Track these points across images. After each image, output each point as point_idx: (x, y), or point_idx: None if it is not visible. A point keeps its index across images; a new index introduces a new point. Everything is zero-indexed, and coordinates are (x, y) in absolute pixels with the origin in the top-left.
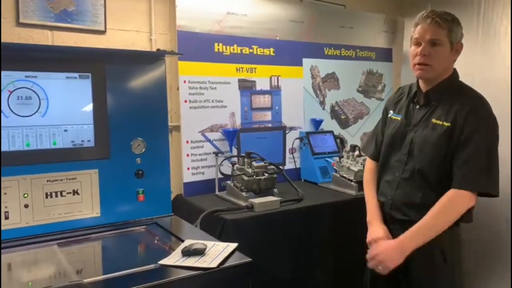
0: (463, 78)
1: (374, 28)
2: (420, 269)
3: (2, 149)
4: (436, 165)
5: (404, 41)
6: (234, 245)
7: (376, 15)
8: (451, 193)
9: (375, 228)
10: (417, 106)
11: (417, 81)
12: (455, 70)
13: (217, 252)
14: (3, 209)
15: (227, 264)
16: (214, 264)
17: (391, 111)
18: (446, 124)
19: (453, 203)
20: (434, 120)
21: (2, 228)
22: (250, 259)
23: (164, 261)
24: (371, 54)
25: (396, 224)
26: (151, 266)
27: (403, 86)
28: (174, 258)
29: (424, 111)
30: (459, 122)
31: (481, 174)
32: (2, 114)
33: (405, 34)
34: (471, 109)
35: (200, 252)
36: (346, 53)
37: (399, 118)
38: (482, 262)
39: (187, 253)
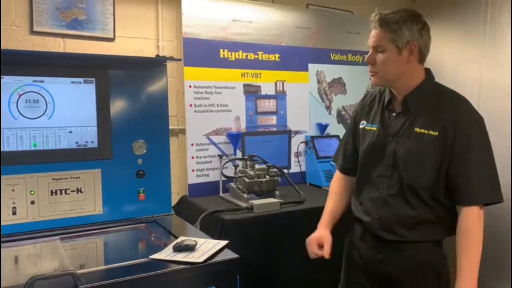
0: (471, 83)
1: None
2: None
3: (11, 149)
4: (428, 178)
5: None
6: (224, 242)
7: None
8: (467, 213)
9: (316, 231)
10: (393, 114)
11: (389, 89)
12: (428, 71)
13: (207, 249)
14: (11, 205)
15: (214, 260)
16: (201, 259)
17: (364, 122)
18: (433, 133)
19: (475, 223)
20: (417, 129)
21: (10, 222)
22: (238, 256)
23: (155, 256)
24: None
25: (385, 246)
26: (143, 260)
27: (369, 93)
28: (165, 253)
29: (403, 119)
30: (449, 130)
31: (487, 185)
32: (11, 116)
33: None
34: (461, 115)
35: (190, 248)
36: (353, 58)
37: (374, 128)
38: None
39: (178, 248)
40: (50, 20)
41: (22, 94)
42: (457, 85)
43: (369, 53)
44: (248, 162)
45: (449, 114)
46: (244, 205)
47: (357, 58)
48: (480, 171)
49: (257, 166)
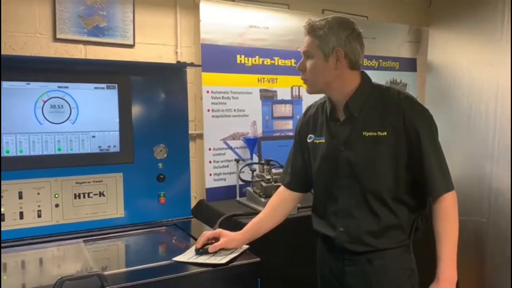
0: (488, 87)
1: (398, 38)
2: None
3: (36, 153)
4: (388, 179)
5: (429, 50)
6: (245, 246)
7: (400, 25)
8: (443, 200)
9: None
10: (338, 123)
11: (328, 98)
12: (363, 74)
13: (228, 252)
14: (36, 208)
15: (235, 262)
16: (223, 261)
17: (311, 136)
18: (381, 133)
19: (451, 206)
20: (366, 133)
21: (36, 225)
22: (258, 259)
23: (178, 258)
24: (394, 64)
25: (355, 258)
26: (166, 262)
27: (310, 107)
28: (187, 256)
29: (349, 126)
30: (398, 127)
31: (447, 172)
32: (37, 121)
33: (429, 43)
34: (405, 110)
35: None
36: (369, 63)
37: (323, 141)
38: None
39: (200, 251)
40: (73, 27)
41: (47, 100)
42: (474, 89)
43: (301, 60)
44: (265, 167)
45: (394, 112)
46: (261, 209)
47: (372, 63)
48: (439, 161)
49: (274, 170)
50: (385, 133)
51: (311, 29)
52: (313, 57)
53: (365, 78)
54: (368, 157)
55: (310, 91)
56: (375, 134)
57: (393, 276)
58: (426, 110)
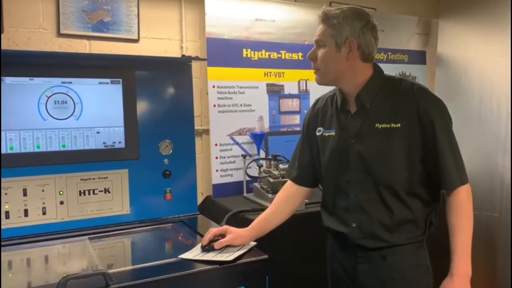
0: (500, 78)
1: (407, 30)
2: None
3: (41, 150)
4: (402, 172)
5: (439, 42)
6: (253, 243)
7: (409, 17)
8: (457, 193)
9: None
10: (349, 115)
11: (339, 90)
12: (376, 66)
13: (236, 249)
14: (41, 205)
15: (243, 260)
16: (230, 258)
17: (320, 129)
18: (395, 125)
19: (466, 200)
20: (378, 125)
21: (40, 222)
22: (266, 256)
23: (184, 255)
24: (403, 57)
25: (368, 255)
26: (172, 259)
27: (318, 99)
28: (193, 253)
29: (361, 118)
30: (412, 118)
31: (462, 164)
32: (41, 117)
33: (439, 35)
34: (419, 101)
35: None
36: (377, 56)
37: (333, 133)
38: None
39: (206, 248)
40: (76, 22)
41: (51, 96)
42: (486, 80)
43: (312, 48)
44: (272, 162)
45: (407, 103)
46: (268, 205)
47: (381, 56)
48: (454, 153)
49: (281, 166)
50: (398, 125)
51: (326, 18)
52: (325, 46)
53: (378, 70)
54: (380, 150)
55: (321, 82)
56: (388, 126)
57: (407, 273)
58: (441, 100)
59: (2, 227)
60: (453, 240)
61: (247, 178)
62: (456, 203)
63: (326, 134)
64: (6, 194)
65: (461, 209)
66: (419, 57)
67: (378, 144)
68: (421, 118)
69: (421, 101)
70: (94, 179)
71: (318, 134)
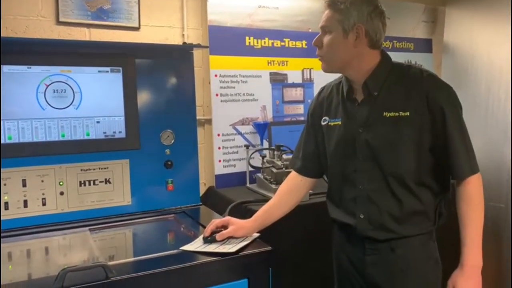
0: (506, 66)
1: (413, 18)
2: None
3: (40, 140)
4: (410, 161)
5: (445, 30)
6: (256, 235)
7: (415, 5)
8: (468, 182)
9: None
10: (356, 104)
11: (345, 77)
12: (383, 53)
13: (238, 240)
14: (41, 196)
15: (246, 251)
16: (233, 250)
17: (326, 118)
18: (404, 114)
19: (477, 189)
20: (387, 114)
21: (40, 213)
22: (270, 248)
23: (186, 247)
24: (409, 45)
25: (377, 247)
26: (174, 251)
27: (323, 88)
28: (195, 245)
29: (368, 106)
30: (421, 106)
31: (472, 153)
32: (39, 106)
33: (445, 23)
34: (429, 87)
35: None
36: (383, 44)
37: (339, 122)
38: None
39: (208, 239)
40: (76, 10)
41: (50, 84)
42: (493, 69)
43: (317, 35)
44: (275, 152)
45: (416, 91)
46: (272, 196)
47: (386, 44)
48: (465, 142)
49: (284, 156)
50: (407, 113)
51: (332, 2)
52: (331, 32)
53: (385, 57)
54: (389, 138)
55: (326, 69)
56: (396, 114)
57: (417, 265)
58: (451, 87)
59: (2, 218)
60: (463, 231)
61: (250, 169)
62: (466, 193)
63: (332, 124)
64: (5, 185)
65: (471, 199)
66: (425, 45)
67: (386, 133)
68: (431, 105)
69: (431, 88)
70: (94, 169)
71: (323, 123)
